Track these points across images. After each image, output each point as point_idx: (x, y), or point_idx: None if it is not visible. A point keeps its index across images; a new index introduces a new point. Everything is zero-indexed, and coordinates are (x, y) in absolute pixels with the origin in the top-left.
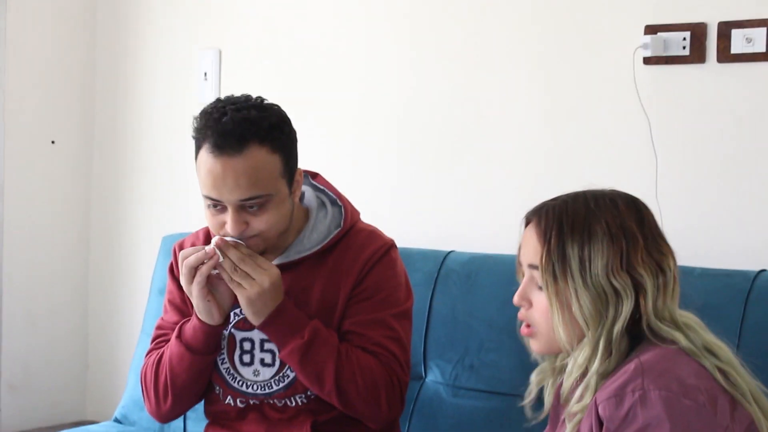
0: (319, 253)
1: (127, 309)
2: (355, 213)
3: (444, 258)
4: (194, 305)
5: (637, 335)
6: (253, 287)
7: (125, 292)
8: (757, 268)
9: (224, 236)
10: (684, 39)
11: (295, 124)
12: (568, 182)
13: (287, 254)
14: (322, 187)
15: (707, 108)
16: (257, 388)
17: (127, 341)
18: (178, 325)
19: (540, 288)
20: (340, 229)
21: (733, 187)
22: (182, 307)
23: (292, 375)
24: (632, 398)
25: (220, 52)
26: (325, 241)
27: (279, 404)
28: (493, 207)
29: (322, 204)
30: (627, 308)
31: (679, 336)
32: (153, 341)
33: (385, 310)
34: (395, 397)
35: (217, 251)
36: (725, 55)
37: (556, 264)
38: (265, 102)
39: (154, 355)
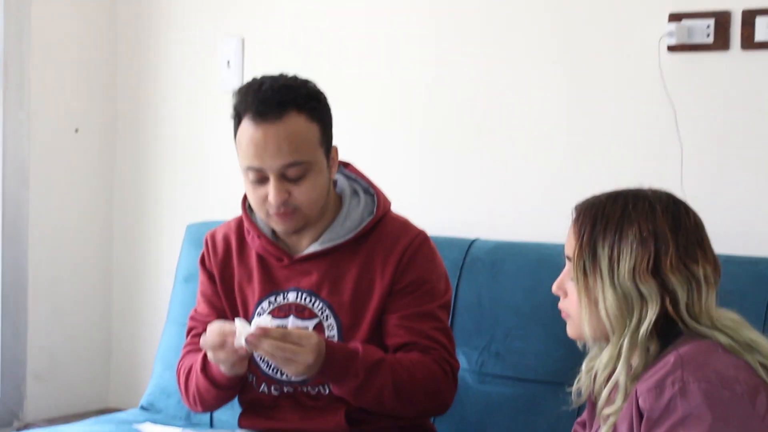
0: (353, 240)
1: (150, 298)
2: (387, 202)
3: (469, 246)
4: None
5: (671, 332)
6: (299, 367)
7: (149, 281)
8: None
9: (268, 210)
10: (708, 27)
11: None
12: (591, 171)
13: (321, 241)
14: (354, 176)
15: (731, 95)
16: (290, 376)
17: (150, 330)
18: (202, 358)
19: (572, 280)
20: (373, 216)
21: (757, 175)
22: (214, 300)
23: None
24: (672, 390)
25: (243, 40)
26: (359, 228)
27: (312, 392)
28: (517, 195)
29: (355, 192)
30: (652, 312)
31: (718, 335)
32: (188, 334)
33: (431, 302)
34: (450, 385)
35: (248, 346)
36: (749, 43)
37: (587, 260)
38: (301, 78)
39: (188, 359)
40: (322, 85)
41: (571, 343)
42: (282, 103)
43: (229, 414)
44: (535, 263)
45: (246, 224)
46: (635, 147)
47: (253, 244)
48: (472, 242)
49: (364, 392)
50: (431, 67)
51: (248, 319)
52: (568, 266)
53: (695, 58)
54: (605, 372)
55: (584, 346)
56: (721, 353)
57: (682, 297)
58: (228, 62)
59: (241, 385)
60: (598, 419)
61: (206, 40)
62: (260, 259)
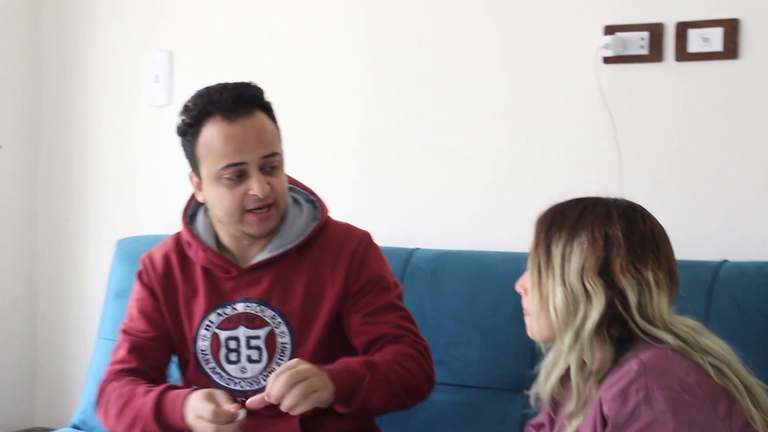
0: (299, 247)
1: (79, 314)
2: (327, 208)
3: (409, 255)
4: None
5: (626, 338)
6: (315, 396)
7: (76, 297)
8: (719, 258)
9: (246, 209)
10: (642, 39)
11: None
12: (531, 181)
13: (270, 249)
14: (292, 186)
15: (667, 105)
16: (245, 385)
17: (79, 346)
18: (155, 405)
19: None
20: (318, 221)
21: (693, 181)
22: (154, 316)
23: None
24: (637, 397)
25: (172, 54)
26: (305, 235)
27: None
28: (456, 205)
29: (296, 201)
30: (596, 311)
31: (667, 336)
32: (118, 348)
33: (389, 295)
34: (430, 363)
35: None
36: (683, 54)
37: (541, 258)
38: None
39: (123, 383)
40: None
41: (514, 349)
42: (249, 102)
43: None
44: (476, 271)
45: (187, 237)
46: (575, 156)
47: (197, 257)
48: (412, 252)
49: (366, 409)
50: (366, 81)
51: (195, 334)
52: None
53: (631, 69)
54: (555, 371)
55: (532, 350)
56: (679, 360)
57: (632, 299)
58: (156, 77)
59: None
60: (559, 421)
61: (134, 54)
62: (205, 272)
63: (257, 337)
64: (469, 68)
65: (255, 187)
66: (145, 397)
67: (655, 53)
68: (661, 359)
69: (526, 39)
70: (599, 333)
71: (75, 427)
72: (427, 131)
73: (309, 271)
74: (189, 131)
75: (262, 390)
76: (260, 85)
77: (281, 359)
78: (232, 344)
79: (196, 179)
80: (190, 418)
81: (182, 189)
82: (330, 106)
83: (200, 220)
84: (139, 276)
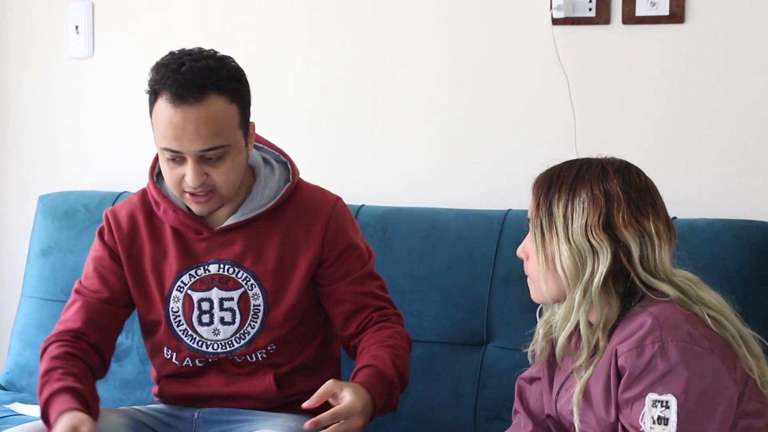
0: (272, 209)
1: (3, 271)
2: (297, 169)
3: (356, 213)
4: None
5: (630, 291)
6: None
7: (0, 254)
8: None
9: (184, 191)
10: (590, 1)
11: None
12: (479, 138)
13: (242, 212)
14: (261, 146)
15: (615, 67)
16: (217, 347)
17: (4, 305)
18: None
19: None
20: (290, 183)
21: (643, 141)
22: (110, 277)
23: (252, 332)
24: (652, 349)
25: (93, 5)
26: (278, 197)
27: (239, 360)
28: (401, 162)
29: (266, 161)
30: (603, 265)
31: (668, 288)
32: (68, 307)
33: (367, 263)
34: (404, 329)
35: None
36: (630, 17)
37: (543, 220)
38: (219, 54)
39: (58, 351)
40: None
41: (469, 305)
42: (202, 86)
43: (102, 389)
44: (428, 229)
45: (156, 197)
46: (525, 114)
47: (167, 218)
48: (359, 208)
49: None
50: (305, 34)
51: (168, 296)
52: (530, 230)
53: (579, 31)
54: (565, 326)
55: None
56: (685, 313)
57: (635, 251)
58: (76, 27)
59: None
60: (560, 376)
61: (53, 3)
62: (175, 232)
63: (230, 299)
64: (415, 24)
65: (188, 177)
66: (50, 386)
67: (602, 16)
68: (672, 313)
69: None
70: (605, 287)
71: (1, 387)
72: (371, 87)
73: (282, 233)
74: (149, 95)
75: (233, 352)
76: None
77: (254, 321)
78: (205, 306)
79: None
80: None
81: (106, 144)
82: (267, 61)
83: None
84: (101, 234)
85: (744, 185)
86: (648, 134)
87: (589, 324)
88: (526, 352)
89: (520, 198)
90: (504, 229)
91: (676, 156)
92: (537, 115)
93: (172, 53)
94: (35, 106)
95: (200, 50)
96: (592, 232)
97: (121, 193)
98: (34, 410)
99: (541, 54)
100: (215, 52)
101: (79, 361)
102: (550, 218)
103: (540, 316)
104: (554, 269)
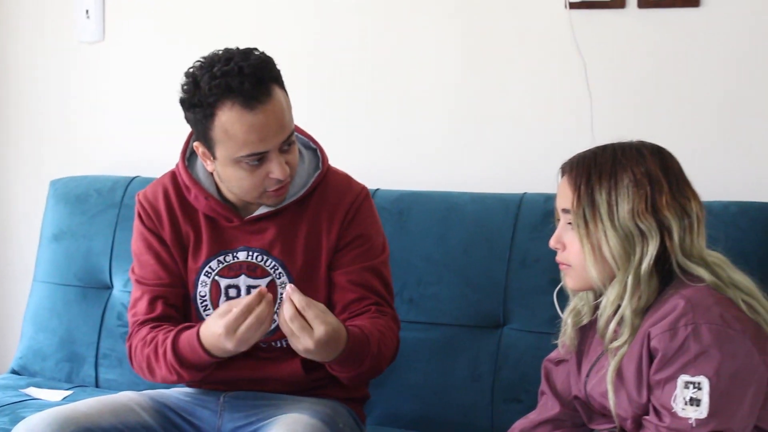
0: (302, 198)
1: (14, 257)
2: (327, 156)
3: (372, 196)
4: (231, 349)
5: (666, 273)
6: (298, 347)
7: (10, 239)
8: None
9: (266, 190)
10: None
11: (187, 68)
12: (495, 121)
13: None
14: None
15: (631, 51)
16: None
17: (15, 290)
18: (173, 350)
19: (572, 230)
20: (320, 171)
21: (659, 125)
22: (167, 260)
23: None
24: (686, 331)
25: None
26: (308, 186)
27: (264, 345)
28: (416, 145)
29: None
30: (653, 247)
31: (704, 272)
32: (137, 301)
33: (375, 258)
34: (397, 333)
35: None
36: (646, 1)
37: (586, 208)
38: (247, 48)
39: (143, 332)
40: (194, 40)
41: (485, 287)
42: (265, 81)
43: (117, 372)
44: (444, 212)
45: (187, 182)
46: (541, 97)
47: (198, 204)
48: (374, 192)
49: (360, 374)
50: (318, 20)
51: (196, 280)
52: (564, 219)
53: (595, 14)
54: (611, 308)
55: (504, 288)
56: (717, 297)
57: (676, 233)
58: (87, 12)
59: None
60: (590, 358)
61: None
62: (207, 218)
63: (258, 287)
64: (431, 8)
65: (276, 171)
66: (164, 344)
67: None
68: (704, 296)
69: None
70: (650, 270)
71: (14, 372)
72: (386, 71)
73: (308, 222)
74: (200, 111)
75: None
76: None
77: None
78: (233, 292)
79: (203, 150)
80: (219, 342)
81: (117, 128)
82: (280, 43)
83: (200, 164)
84: (141, 219)
85: (761, 167)
86: (664, 117)
87: (635, 304)
88: (556, 343)
89: (535, 181)
90: (520, 212)
91: (692, 139)
92: (553, 99)
93: (214, 60)
94: (46, 91)
95: (230, 50)
96: (639, 216)
97: (133, 178)
98: (51, 394)
99: (557, 38)
100: (244, 48)
101: (167, 325)
102: (593, 207)
103: (559, 303)
104: (602, 257)
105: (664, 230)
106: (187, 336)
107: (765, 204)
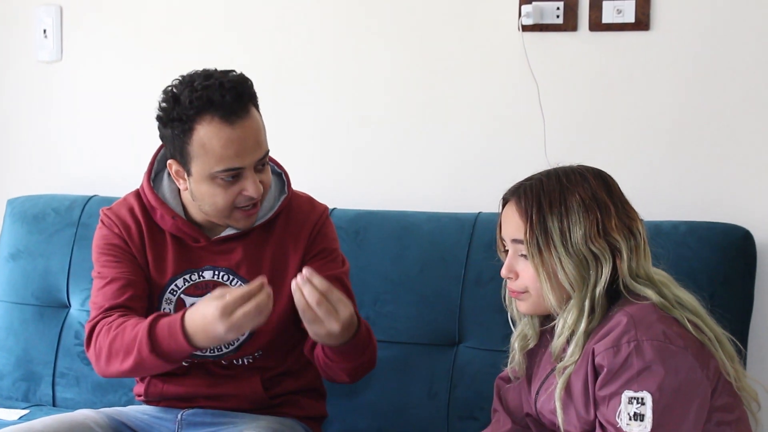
0: (268, 221)
1: None
2: (290, 180)
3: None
4: (221, 333)
5: (614, 294)
6: (321, 330)
7: None
8: None
9: (237, 207)
10: (558, 9)
11: (144, 88)
12: (453, 144)
13: None
14: None
15: (582, 73)
16: (205, 351)
17: None
18: (148, 334)
19: (525, 258)
20: (286, 195)
21: (612, 145)
22: (129, 257)
23: (242, 338)
24: (628, 348)
25: (61, 9)
26: (273, 211)
27: (225, 363)
28: (371, 167)
29: None
30: (606, 270)
31: (650, 293)
32: (99, 290)
33: (339, 268)
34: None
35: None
36: (597, 24)
37: (539, 237)
38: (223, 69)
39: (111, 317)
40: (152, 61)
41: (441, 306)
42: (244, 99)
43: (75, 391)
44: (400, 231)
45: (153, 203)
46: (497, 119)
47: (164, 223)
48: (331, 211)
49: (362, 364)
50: (276, 42)
51: (160, 297)
52: (513, 249)
53: (548, 37)
54: (569, 331)
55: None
56: (660, 314)
57: (626, 252)
58: (45, 31)
59: None
60: (539, 376)
61: (21, 7)
62: (174, 238)
63: None
64: (386, 30)
65: (250, 188)
66: (136, 328)
67: (570, 22)
68: (647, 313)
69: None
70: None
71: None
72: (343, 92)
73: (274, 243)
74: (178, 126)
75: (221, 357)
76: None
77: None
78: None
79: (177, 168)
80: (209, 325)
81: (75, 148)
82: (237, 65)
83: (166, 184)
84: (106, 227)
85: (708, 188)
86: (615, 138)
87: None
88: (505, 369)
89: (490, 201)
90: (475, 232)
91: (642, 159)
92: (506, 119)
93: (184, 78)
94: (4, 110)
95: (209, 69)
96: (592, 240)
97: (91, 197)
98: (7, 413)
99: (510, 60)
100: (227, 70)
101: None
102: (546, 235)
103: (515, 328)
104: (558, 282)
105: (615, 252)
106: (169, 320)
107: (713, 224)
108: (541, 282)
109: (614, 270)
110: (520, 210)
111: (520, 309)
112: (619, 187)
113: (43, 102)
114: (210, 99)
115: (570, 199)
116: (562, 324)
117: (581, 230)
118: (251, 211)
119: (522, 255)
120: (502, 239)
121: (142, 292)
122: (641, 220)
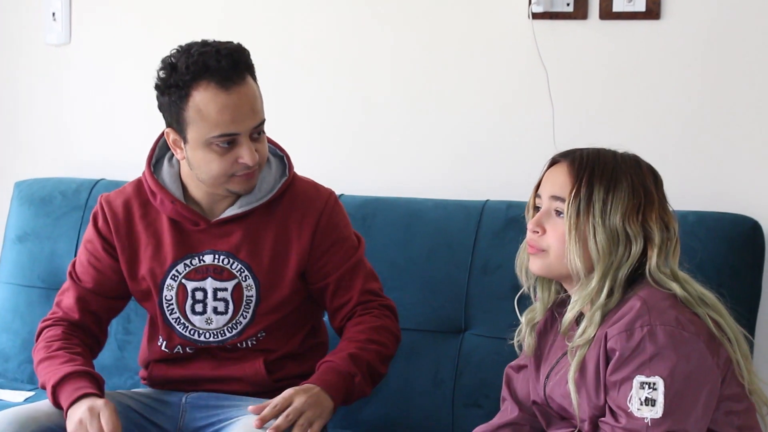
0: (268, 203)
1: None
2: (293, 164)
3: None
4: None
5: (634, 280)
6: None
7: None
8: None
9: (235, 173)
10: None
11: (152, 71)
12: (461, 131)
13: (239, 205)
14: None
15: (592, 61)
16: (209, 336)
17: None
18: (52, 387)
19: (559, 216)
20: (286, 178)
21: (621, 133)
22: (98, 266)
23: (244, 322)
24: (641, 333)
25: None
26: (274, 191)
27: (229, 347)
28: (380, 152)
29: None
30: (635, 252)
31: (675, 286)
32: (64, 292)
33: (355, 254)
34: (397, 321)
35: None
36: (607, 13)
37: (582, 201)
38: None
39: (56, 332)
40: (160, 44)
41: (448, 293)
42: (239, 67)
43: None
44: (407, 218)
45: (153, 187)
46: (506, 107)
47: (163, 208)
48: (338, 197)
49: (363, 376)
50: (281, 26)
51: (161, 284)
52: (549, 205)
53: (558, 25)
54: (583, 304)
55: (466, 293)
56: (675, 303)
57: (659, 243)
58: (53, 14)
59: None
60: (549, 362)
61: None
62: (172, 222)
63: (224, 290)
64: (395, 16)
65: (246, 155)
66: (58, 368)
67: (580, 11)
68: (660, 299)
69: None
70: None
71: None
72: (350, 78)
73: (277, 226)
74: (175, 92)
75: (225, 341)
76: (160, 28)
77: (246, 312)
78: (199, 295)
79: (175, 137)
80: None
81: (83, 131)
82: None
83: (166, 169)
84: (95, 219)
85: (718, 178)
86: (624, 127)
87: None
88: (512, 343)
89: (497, 189)
90: (482, 219)
91: (651, 148)
92: (516, 107)
93: (184, 50)
94: (12, 93)
95: (206, 40)
96: (629, 221)
97: (99, 180)
98: (12, 395)
99: (520, 47)
100: (227, 41)
101: (79, 340)
102: (588, 200)
103: (519, 310)
104: (585, 249)
105: (647, 240)
106: (68, 384)
107: (723, 214)
108: (570, 243)
109: (640, 258)
110: (572, 170)
111: (531, 267)
112: (663, 186)
113: (52, 85)
114: (206, 65)
115: (621, 177)
116: (577, 295)
117: (622, 208)
118: (249, 173)
119: (557, 212)
120: (537, 195)
121: (97, 306)
122: (677, 221)
